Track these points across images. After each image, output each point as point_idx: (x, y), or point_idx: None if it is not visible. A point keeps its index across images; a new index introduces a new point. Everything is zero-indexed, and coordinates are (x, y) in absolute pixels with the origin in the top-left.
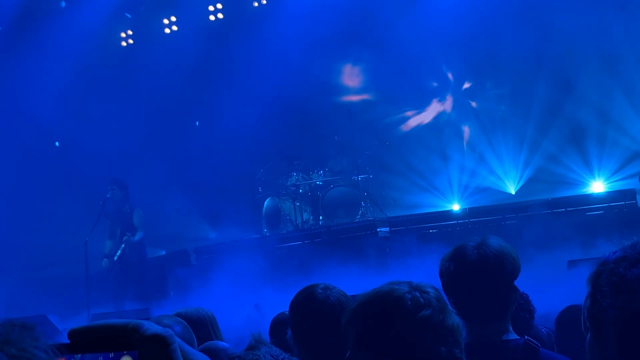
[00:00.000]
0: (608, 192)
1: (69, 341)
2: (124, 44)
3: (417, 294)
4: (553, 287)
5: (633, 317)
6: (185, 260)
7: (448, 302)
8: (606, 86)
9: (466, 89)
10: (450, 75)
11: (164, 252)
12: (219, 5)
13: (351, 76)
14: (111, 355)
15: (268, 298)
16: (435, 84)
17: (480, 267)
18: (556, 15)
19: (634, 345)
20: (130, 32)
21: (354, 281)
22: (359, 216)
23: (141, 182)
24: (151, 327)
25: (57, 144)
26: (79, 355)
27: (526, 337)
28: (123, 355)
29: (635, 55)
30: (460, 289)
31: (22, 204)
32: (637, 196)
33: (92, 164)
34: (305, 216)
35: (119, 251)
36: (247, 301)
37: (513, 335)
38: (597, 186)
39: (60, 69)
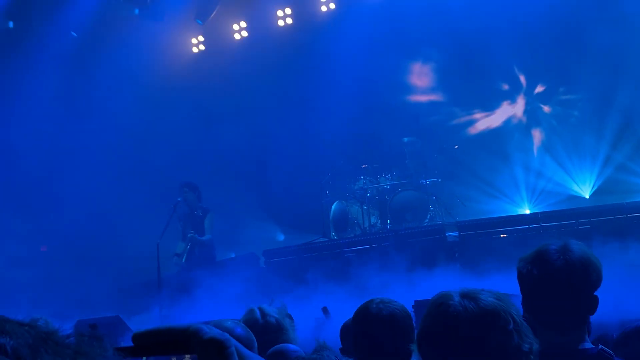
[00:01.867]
0: None
1: (132, 344)
2: (195, 50)
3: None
4: (628, 294)
5: None
6: (254, 263)
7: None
8: None
9: (538, 92)
10: (522, 78)
11: (233, 255)
12: (288, 11)
13: (420, 75)
14: (173, 359)
15: (336, 302)
16: (506, 86)
17: (566, 274)
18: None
19: None
20: (201, 39)
21: (422, 286)
22: (427, 220)
23: (212, 185)
24: (210, 331)
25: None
26: (143, 358)
27: (600, 346)
28: (183, 358)
29: None
30: (543, 295)
31: (99, 207)
32: None
33: (166, 168)
34: (372, 220)
35: (186, 253)
36: (315, 304)
37: (589, 344)
38: None
39: (134, 75)
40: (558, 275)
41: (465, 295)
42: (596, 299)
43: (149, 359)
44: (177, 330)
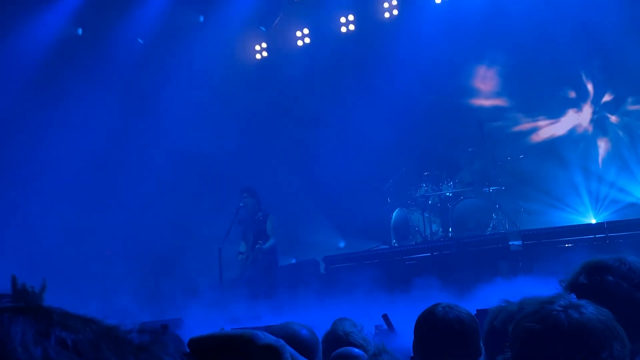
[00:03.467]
0: None
1: (189, 349)
2: (258, 56)
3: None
4: None
5: None
6: (315, 269)
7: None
8: None
9: (606, 101)
10: (589, 86)
11: (294, 261)
12: (351, 17)
13: (484, 79)
14: None
15: (397, 309)
16: (572, 94)
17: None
18: None
19: None
20: (264, 45)
21: (485, 295)
22: (490, 229)
23: (274, 191)
24: (265, 338)
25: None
26: None
27: None
28: None
29: None
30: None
31: (161, 212)
32: None
33: (227, 173)
34: (434, 228)
35: (251, 257)
36: (376, 312)
37: None
38: None
39: (198, 82)
40: (618, 289)
41: (571, 305)
42: None
43: None
44: (232, 336)
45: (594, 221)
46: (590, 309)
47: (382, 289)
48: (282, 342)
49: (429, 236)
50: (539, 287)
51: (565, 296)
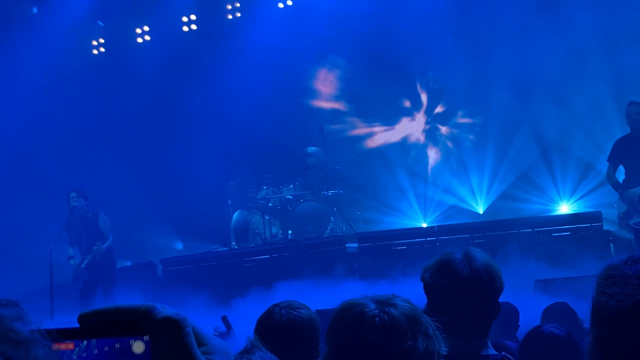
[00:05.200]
0: (574, 214)
1: (78, 325)
2: (95, 52)
3: (385, 316)
4: (520, 306)
5: (632, 310)
6: (152, 272)
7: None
8: (570, 115)
9: (438, 113)
10: (424, 97)
11: (129, 263)
12: (193, 17)
13: (325, 82)
14: (117, 345)
15: (235, 311)
16: (407, 103)
17: (472, 282)
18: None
19: (630, 338)
20: (102, 41)
21: (322, 296)
22: (328, 231)
23: (107, 190)
24: (164, 310)
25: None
26: (86, 341)
27: (503, 352)
28: (134, 340)
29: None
30: (450, 303)
31: None
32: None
33: (54, 172)
34: (274, 230)
35: (87, 260)
36: (215, 314)
37: (492, 351)
38: (565, 208)
39: (29, 75)
40: (465, 284)
41: (381, 302)
42: (499, 305)
43: (91, 342)
44: (127, 310)
45: (425, 225)
46: (400, 305)
47: (222, 291)
48: (183, 315)
49: (268, 238)
50: (373, 287)
51: (381, 295)
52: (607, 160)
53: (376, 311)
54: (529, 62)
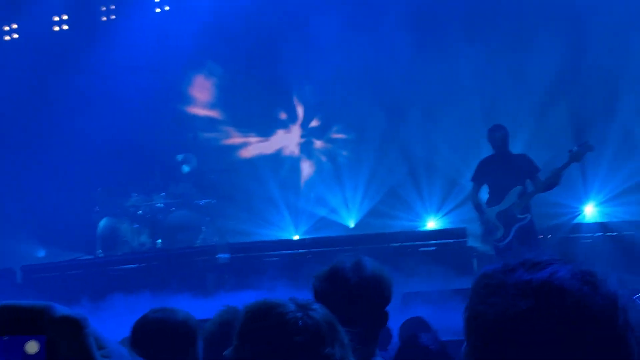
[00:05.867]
0: (440, 230)
1: None
2: None
3: (308, 320)
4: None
5: (511, 319)
6: (11, 279)
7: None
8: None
9: (313, 127)
10: (300, 110)
11: None
12: (65, 17)
13: (201, 89)
14: (5, 337)
15: (100, 320)
16: (283, 115)
17: (361, 291)
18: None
19: (508, 348)
20: None
21: (192, 306)
22: (199, 241)
23: None
24: (62, 310)
25: None
26: None
27: None
28: (28, 339)
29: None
30: (339, 312)
31: None
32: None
33: None
34: (143, 239)
35: None
36: None
37: (380, 359)
38: (432, 223)
39: None
40: (354, 292)
41: (301, 305)
42: (387, 314)
43: None
44: (22, 307)
45: (297, 237)
46: (320, 311)
47: (86, 300)
48: (83, 315)
49: (137, 247)
50: (244, 297)
51: (296, 300)
52: (471, 180)
53: (299, 314)
54: (402, 80)
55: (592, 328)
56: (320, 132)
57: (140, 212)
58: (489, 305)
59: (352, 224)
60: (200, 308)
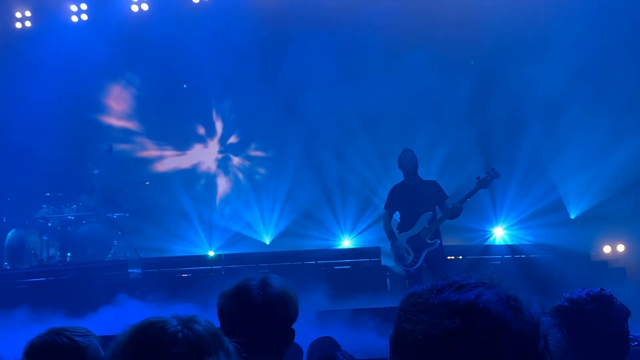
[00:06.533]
0: (355, 248)
1: None
2: None
3: (185, 330)
4: (302, 337)
5: (438, 338)
6: None
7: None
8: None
9: (232, 143)
10: (219, 125)
11: None
12: None
13: (118, 99)
14: None
15: (4, 335)
16: (202, 130)
17: (266, 309)
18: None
19: None
20: None
21: (101, 321)
22: (110, 255)
23: None
24: None
25: None
26: None
27: None
28: None
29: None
30: (244, 330)
31: None
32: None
33: None
34: (51, 252)
35: None
36: None
37: None
38: (347, 242)
39: None
40: (258, 311)
41: (183, 320)
42: (293, 332)
43: None
44: None
45: (212, 253)
46: (203, 323)
47: None
48: None
49: (45, 260)
50: (155, 312)
51: (179, 316)
52: (384, 208)
53: (179, 327)
54: (320, 100)
55: (514, 351)
56: (238, 149)
57: (50, 224)
58: (415, 323)
59: (267, 241)
60: (109, 324)
